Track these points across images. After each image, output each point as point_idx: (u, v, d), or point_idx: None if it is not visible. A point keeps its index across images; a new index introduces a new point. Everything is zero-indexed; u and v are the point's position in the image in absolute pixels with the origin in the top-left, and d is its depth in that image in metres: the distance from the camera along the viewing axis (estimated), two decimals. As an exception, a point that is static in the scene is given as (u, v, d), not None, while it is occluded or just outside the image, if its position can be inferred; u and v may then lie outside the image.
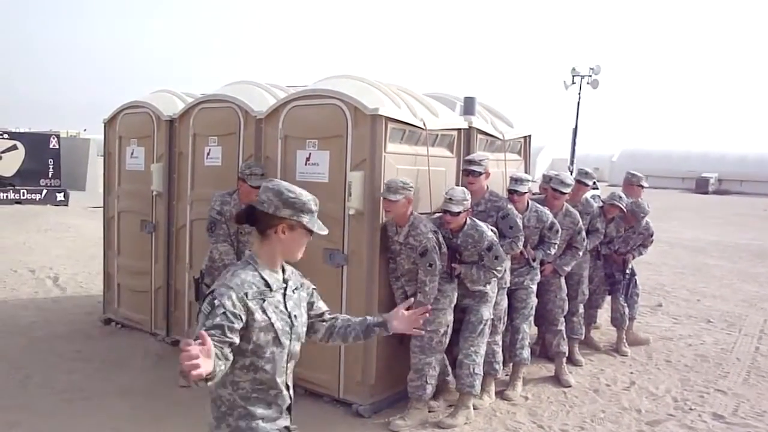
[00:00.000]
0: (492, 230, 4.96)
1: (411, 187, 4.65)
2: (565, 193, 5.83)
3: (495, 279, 4.97)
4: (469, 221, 4.87)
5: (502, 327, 5.42)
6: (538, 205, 5.65)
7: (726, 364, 6.61)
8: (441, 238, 4.78)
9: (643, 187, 7.23)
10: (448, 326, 4.86)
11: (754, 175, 40.91)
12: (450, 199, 4.73)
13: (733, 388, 5.95)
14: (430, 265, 4.63)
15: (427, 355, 4.77)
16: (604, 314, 7.52)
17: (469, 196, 4.79)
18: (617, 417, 5.20)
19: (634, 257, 6.98)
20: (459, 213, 4.73)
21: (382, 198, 4.68)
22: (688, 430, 5.00)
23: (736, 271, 12.34)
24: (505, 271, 5.28)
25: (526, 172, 6.49)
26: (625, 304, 7.00)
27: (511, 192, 5.47)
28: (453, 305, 4.89)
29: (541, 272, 5.80)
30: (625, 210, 6.63)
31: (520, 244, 5.28)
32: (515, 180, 5.50)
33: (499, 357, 5.39)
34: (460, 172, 5.53)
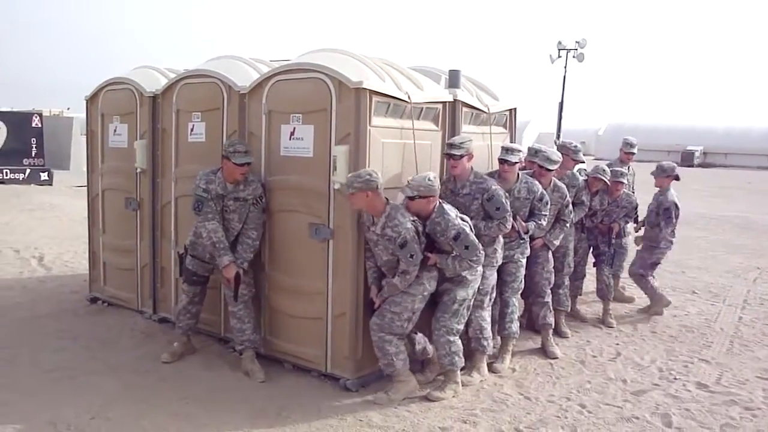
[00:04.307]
0: (462, 218, 4.80)
1: (367, 179, 4.48)
2: (551, 170, 5.81)
3: (476, 265, 4.85)
4: (437, 207, 4.73)
5: (489, 302, 5.35)
6: (528, 177, 5.63)
7: (710, 334, 6.70)
8: (420, 227, 4.67)
9: (629, 153, 7.70)
10: (414, 313, 4.75)
11: (738, 149, 41.14)
12: (408, 182, 4.69)
13: (716, 358, 6.02)
14: (411, 256, 4.53)
15: (386, 334, 4.70)
16: (590, 286, 7.58)
17: (432, 183, 4.65)
18: (603, 387, 5.26)
19: (620, 226, 7.05)
20: (413, 198, 4.64)
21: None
22: (673, 399, 5.07)
23: (721, 242, 12.46)
24: (496, 251, 5.28)
25: (513, 144, 6.47)
26: (611, 276, 7.07)
27: (501, 162, 5.41)
28: (427, 295, 4.79)
29: (530, 246, 5.81)
30: (608, 183, 6.69)
31: (509, 224, 5.19)
32: (507, 149, 5.41)
33: (487, 333, 5.30)
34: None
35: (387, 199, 4.66)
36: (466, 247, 4.66)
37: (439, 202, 4.77)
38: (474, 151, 5.21)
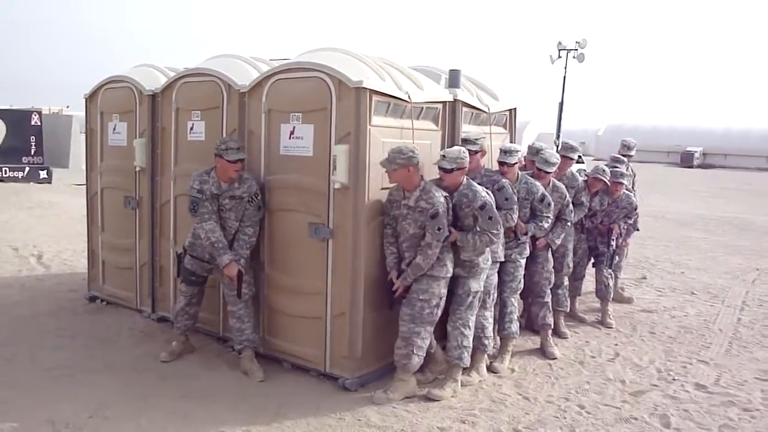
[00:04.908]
0: (487, 193, 4.95)
1: (410, 156, 4.62)
2: (549, 173, 5.84)
3: (489, 249, 4.96)
4: (465, 181, 4.88)
5: (491, 301, 5.38)
6: (529, 177, 5.66)
7: (708, 335, 6.70)
8: (451, 207, 4.80)
9: (626, 155, 7.77)
10: (441, 298, 4.82)
11: (738, 150, 41.18)
12: (443, 156, 4.80)
13: (715, 359, 6.02)
14: (439, 229, 4.63)
15: (417, 325, 4.74)
16: (589, 287, 7.58)
17: (465, 156, 4.83)
18: (602, 388, 5.26)
19: (620, 227, 7.05)
20: (452, 170, 4.79)
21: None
22: (671, 400, 5.07)
23: (720, 243, 12.46)
24: (497, 245, 5.29)
25: (512, 144, 6.48)
26: (609, 276, 7.07)
27: (501, 163, 5.49)
28: (449, 278, 4.86)
29: (533, 246, 5.81)
30: (608, 183, 6.69)
31: (515, 216, 5.32)
32: (505, 151, 5.51)
33: (489, 332, 5.32)
34: (446, 146, 5.52)
35: (422, 175, 4.79)
36: (490, 218, 4.79)
37: (466, 177, 4.93)
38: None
